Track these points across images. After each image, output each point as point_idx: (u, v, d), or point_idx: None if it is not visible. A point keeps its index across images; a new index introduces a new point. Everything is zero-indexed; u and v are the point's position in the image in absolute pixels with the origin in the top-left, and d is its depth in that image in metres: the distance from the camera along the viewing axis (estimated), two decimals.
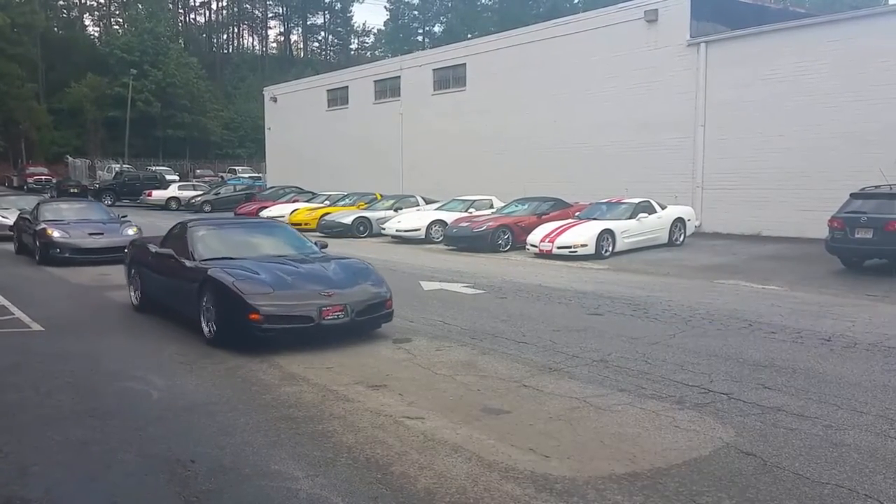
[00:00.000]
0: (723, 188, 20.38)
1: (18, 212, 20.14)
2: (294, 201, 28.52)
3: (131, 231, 15.30)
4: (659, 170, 21.42)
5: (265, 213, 27.03)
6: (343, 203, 25.94)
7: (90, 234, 15.01)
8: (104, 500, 3.98)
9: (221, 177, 52.07)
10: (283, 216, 25.83)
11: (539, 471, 4.39)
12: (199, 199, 34.68)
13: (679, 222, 17.76)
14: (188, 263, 8.31)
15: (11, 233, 19.08)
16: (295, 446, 4.79)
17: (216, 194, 35.52)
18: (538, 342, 7.86)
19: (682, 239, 17.75)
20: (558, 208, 18.81)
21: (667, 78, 21.64)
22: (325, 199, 27.36)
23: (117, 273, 13.48)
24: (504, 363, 7.00)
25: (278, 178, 39.82)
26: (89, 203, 19.48)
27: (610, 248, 15.99)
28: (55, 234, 14.61)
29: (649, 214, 17.15)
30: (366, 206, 24.60)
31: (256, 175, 50.19)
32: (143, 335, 8.44)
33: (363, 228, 22.06)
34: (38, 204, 17.10)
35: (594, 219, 16.87)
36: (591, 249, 15.62)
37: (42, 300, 10.69)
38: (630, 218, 16.77)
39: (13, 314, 9.44)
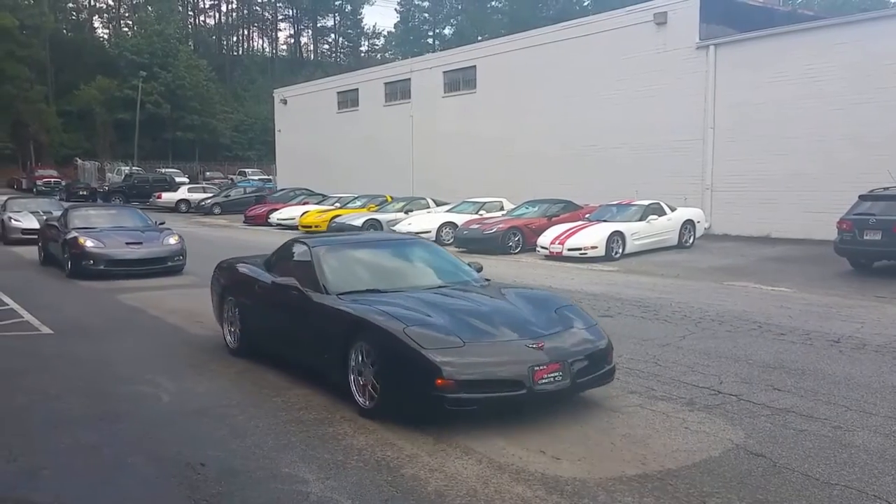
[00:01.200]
0: (732, 190, 20.32)
1: (32, 215, 20.24)
2: (304, 203, 28.59)
3: (172, 240, 13.86)
4: (668, 172, 21.36)
5: (275, 216, 27.16)
6: (353, 205, 25.97)
7: (127, 243, 13.40)
8: None
9: (231, 179, 52.31)
10: (293, 218, 25.95)
11: (549, 472, 4.38)
12: (209, 201, 34.83)
13: (689, 224, 17.72)
14: (320, 299, 6.15)
15: (25, 236, 19.09)
16: (305, 449, 4.78)
17: (226, 196, 35.68)
18: None
19: (691, 241, 17.71)
20: (569, 210, 18.82)
21: (676, 80, 21.59)
22: (336, 202, 27.40)
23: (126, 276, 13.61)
24: None
25: (288, 180, 39.89)
26: (124, 208, 18.18)
27: (620, 250, 15.97)
28: (88, 243, 13.03)
29: (659, 216, 17.13)
30: (376, 208, 24.64)
31: (266, 177, 50.36)
32: (153, 338, 8.46)
33: (373, 230, 22.05)
34: (67, 210, 15.45)
35: (604, 221, 16.87)
36: (601, 251, 15.60)
37: (50, 303, 10.73)
38: (640, 220, 16.75)
39: (22, 317, 9.48)
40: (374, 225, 22.26)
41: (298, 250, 7.09)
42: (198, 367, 6.96)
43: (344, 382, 5.64)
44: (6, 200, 22.38)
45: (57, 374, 6.59)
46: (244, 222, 28.83)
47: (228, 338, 7.58)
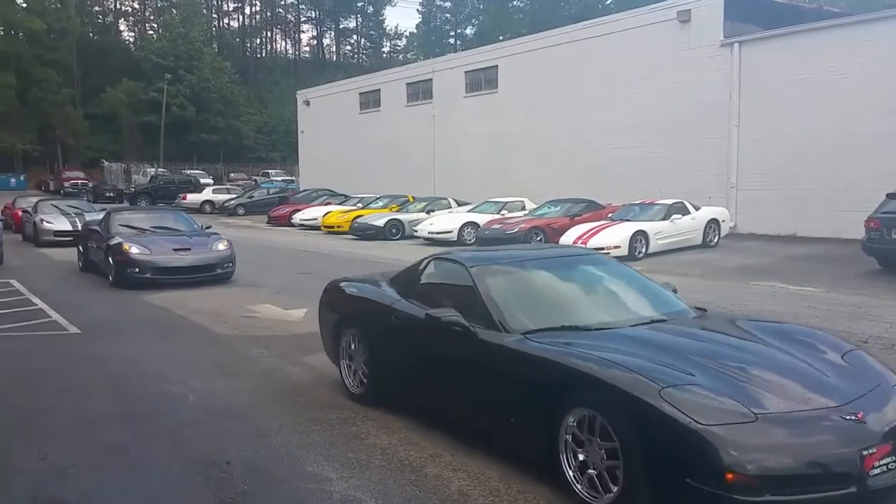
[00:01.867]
0: (757, 189, 20.08)
1: (63, 216, 20.16)
2: (326, 204, 28.75)
3: (221, 245, 12.83)
4: (692, 171, 21.19)
5: (298, 217, 27.34)
6: (375, 205, 26.06)
7: (175, 249, 12.38)
8: (142, 502, 4.03)
9: (255, 180, 52.71)
10: (315, 219, 26.11)
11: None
12: (233, 202, 35.15)
13: (713, 223, 17.53)
14: (496, 339, 4.53)
15: (58, 238, 19.11)
16: (329, 448, 4.80)
17: (250, 197, 35.96)
18: None
19: (716, 240, 17.52)
20: (591, 210, 18.72)
21: (700, 78, 21.41)
22: (358, 202, 27.52)
23: None
24: None
25: (311, 181, 40.13)
26: (168, 211, 17.06)
27: (643, 250, 15.84)
28: (133, 250, 12.04)
29: (683, 215, 16.95)
30: (398, 208, 24.70)
31: (289, 178, 50.69)
32: (179, 338, 8.55)
33: (395, 231, 22.14)
34: (109, 213, 14.32)
35: (627, 220, 16.73)
36: (624, 251, 15.45)
37: (78, 303, 10.88)
38: (663, 219, 16.60)
39: (50, 317, 9.62)
40: (395, 225, 22.31)
41: (445, 269, 5.53)
42: (223, 367, 7.01)
43: (549, 461, 4.07)
44: (37, 202, 22.36)
45: (85, 374, 6.68)
46: (267, 223, 29.04)
47: (349, 380, 5.94)
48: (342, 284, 6.47)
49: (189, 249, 12.50)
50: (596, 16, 26.79)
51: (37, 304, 10.51)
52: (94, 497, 4.03)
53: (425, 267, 5.69)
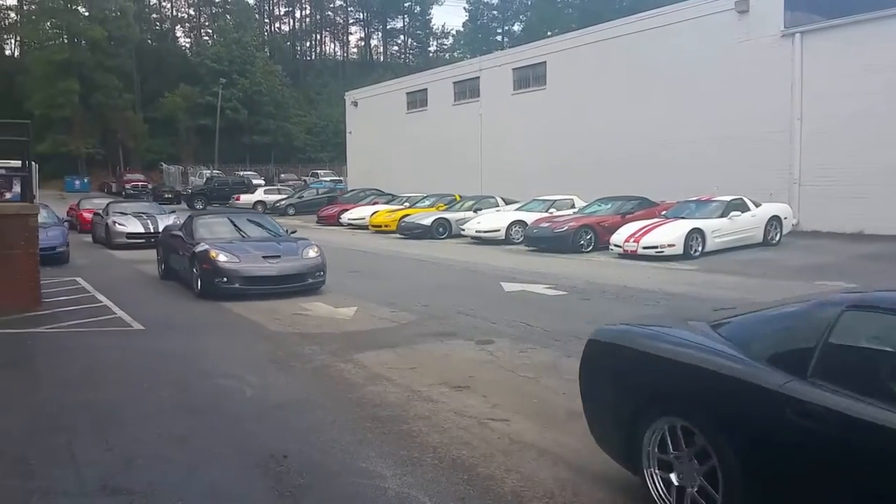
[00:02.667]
0: (821, 185, 19.42)
1: (135, 219, 20.14)
2: (374, 203, 28.99)
3: (312, 252, 11.83)
4: (751, 166, 20.62)
5: (346, 216, 27.63)
6: (422, 205, 26.17)
7: (264, 257, 11.40)
8: (204, 493, 4.15)
9: (304, 180, 53.44)
10: (363, 218, 26.36)
11: (633, 479, 4.21)
12: (283, 202, 35.73)
13: (774, 220, 17.02)
14: None
15: (130, 241, 19.21)
16: (381, 445, 4.86)
17: (300, 197, 36.52)
18: None
19: (777, 238, 17.01)
20: (643, 207, 18.37)
21: (759, 71, 20.84)
22: (405, 201, 27.68)
23: None
24: None
25: (359, 180, 40.52)
26: (252, 214, 15.85)
27: (699, 249, 15.47)
28: (221, 258, 11.04)
29: (742, 213, 16.46)
30: (445, 207, 24.76)
31: (337, 178, 51.28)
32: (235, 334, 8.76)
33: (443, 230, 22.20)
34: (192, 217, 13.23)
35: (682, 218, 16.37)
36: (678, 249, 15.16)
37: (140, 300, 11.20)
38: (721, 216, 16.18)
39: (115, 313, 9.93)
40: (442, 224, 22.36)
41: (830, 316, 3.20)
42: (278, 363, 7.16)
43: None
44: (108, 204, 22.61)
45: (148, 368, 6.90)
46: (317, 222, 29.43)
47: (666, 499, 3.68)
48: (638, 337, 4.06)
49: (279, 257, 11.48)
50: (648, 9, 26.28)
51: (102, 301, 10.87)
52: (159, 487, 4.16)
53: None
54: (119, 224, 19.89)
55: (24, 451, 4.68)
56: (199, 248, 11.46)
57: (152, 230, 19.32)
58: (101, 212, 21.90)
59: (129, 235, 19.56)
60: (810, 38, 19.96)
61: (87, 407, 5.69)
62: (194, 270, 11.46)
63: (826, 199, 19.26)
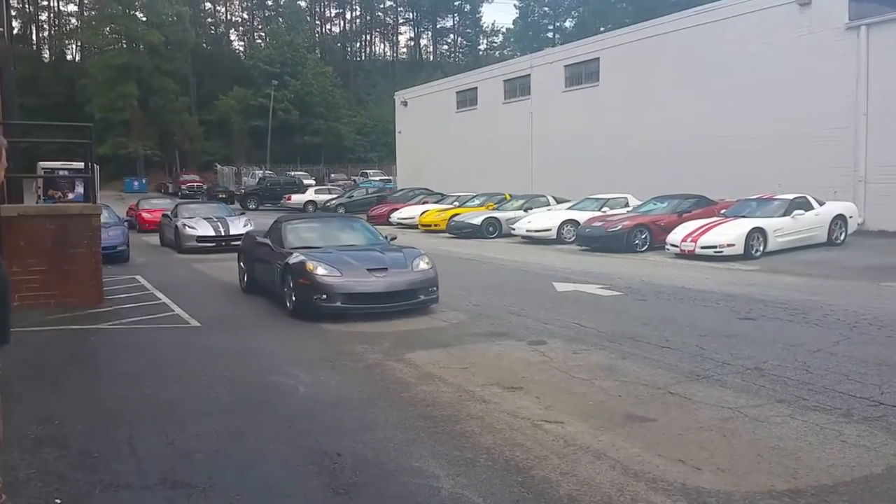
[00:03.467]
0: (889, 182, 18.76)
1: (206, 221, 19.31)
2: (423, 203, 29.05)
3: (423, 264, 9.98)
4: (814, 164, 20.02)
5: (395, 216, 27.76)
6: (472, 204, 26.12)
7: (370, 270, 9.63)
8: (261, 488, 4.17)
9: (354, 180, 53.98)
10: (413, 217, 26.44)
11: (690, 483, 4.17)
12: (333, 202, 36.11)
13: (839, 219, 16.51)
14: None
15: (201, 244, 18.50)
16: (434, 445, 4.83)
17: (349, 197, 36.85)
18: (683, 347, 7.51)
19: (842, 238, 16.49)
20: (701, 206, 17.96)
21: (822, 65, 20.26)
22: (455, 201, 27.67)
23: None
24: (646, 369, 6.74)
25: (408, 180, 40.70)
26: (346, 219, 14.02)
27: (761, 248, 15.07)
28: (320, 271, 9.38)
29: (805, 211, 15.99)
30: (495, 206, 24.67)
31: (387, 178, 51.63)
32: (288, 333, 8.84)
33: (492, 229, 22.12)
34: (280, 222, 11.54)
35: (742, 216, 15.97)
36: (739, 249, 14.77)
37: (196, 298, 11.41)
38: (784, 215, 15.74)
39: (173, 311, 10.14)
40: (492, 223, 22.28)
41: None
42: (330, 361, 7.20)
43: None
44: (176, 205, 22.08)
45: (206, 365, 7.00)
46: (367, 221, 29.54)
47: None
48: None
49: (386, 270, 9.71)
50: (704, 3, 25.73)
51: (161, 299, 11.11)
52: (217, 481, 4.21)
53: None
54: (189, 227, 19.07)
55: (88, 445, 4.79)
56: (293, 260, 9.73)
57: (223, 233, 18.90)
58: (169, 213, 21.30)
59: (200, 239, 18.78)
60: (877, 31, 19.28)
61: (147, 402, 5.81)
62: (288, 285, 9.75)
63: (893, 198, 18.56)
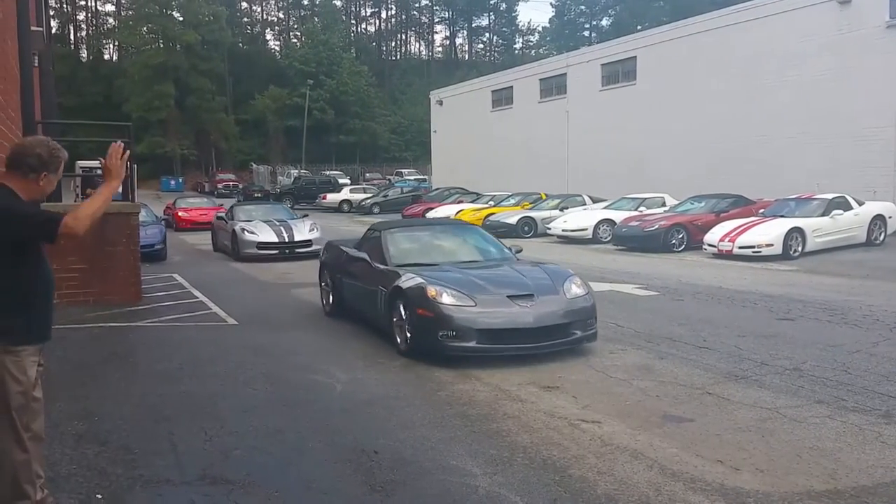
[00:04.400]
0: None
1: (266, 225, 17.10)
2: (458, 202, 29.03)
3: (577, 287, 7.54)
4: (853, 163, 19.65)
5: (430, 215, 27.75)
6: (507, 203, 26.04)
7: (511, 297, 7.19)
8: (299, 485, 4.21)
9: (389, 180, 54.20)
10: (448, 216, 26.41)
11: (729, 484, 4.14)
12: (368, 201, 36.29)
13: (878, 220, 16.20)
14: None
15: (262, 251, 16.41)
16: (471, 443, 4.83)
17: (384, 196, 36.98)
18: (721, 348, 7.43)
19: (882, 238, 16.17)
20: (739, 206, 17.72)
21: (862, 63, 19.88)
22: (490, 200, 27.61)
23: (299, 270, 14.41)
24: (684, 369, 6.68)
25: (443, 179, 40.73)
26: (459, 227, 11.06)
27: (799, 249, 14.87)
28: (446, 300, 7.00)
29: (845, 211, 15.73)
30: (530, 205, 24.57)
31: (422, 177, 51.75)
32: (325, 331, 8.90)
33: (528, 228, 22.03)
34: (379, 231, 9.00)
35: (781, 216, 15.74)
36: (777, 249, 14.57)
37: (233, 296, 11.50)
38: (822, 215, 15.49)
39: (210, 309, 10.25)
40: (528, 223, 22.19)
41: None
42: (366, 359, 7.23)
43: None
44: (232, 207, 19.74)
45: (243, 362, 7.08)
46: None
47: None
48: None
49: (532, 297, 7.16)
50: (742, 1, 25.40)
51: (198, 297, 11.24)
52: (256, 477, 4.25)
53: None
54: (249, 232, 16.72)
55: (127, 441, 4.85)
56: (406, 283, 7.34)
57: (287, 239, 16.76)
58: (223, 216, 18.99)
59: (261, 245, 16.50)
60: None
61: (186, 399, 5.88)
62: (398, 316, 7.37)
63: None
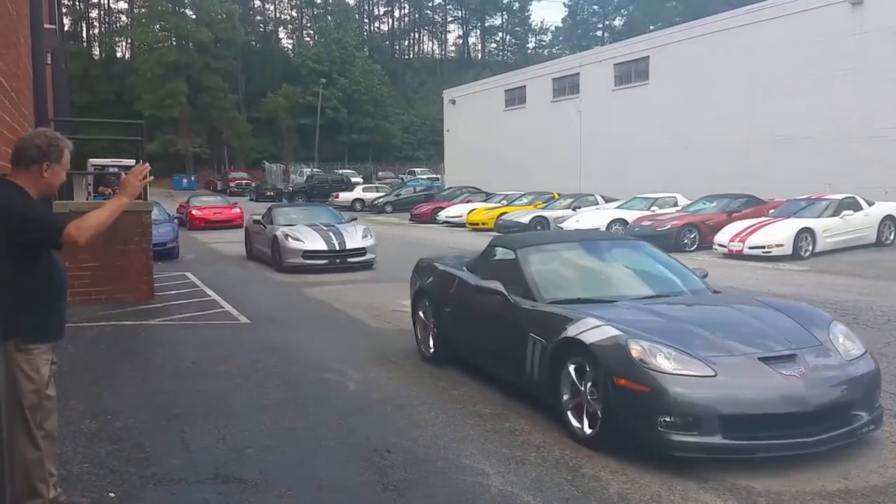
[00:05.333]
0: None
1: (312, 230, 14.72)
2: (467, 202, 28.97)
3: (845, 338, 4.98)
4: (866, 163, 19.53)
5: (443, 214, 27.78)
6: (520, 202, 26.02)
7: (764, 358, 4.57)
8: (312, 483, 4.21)
9: (401, 178, 54.25)
10: (460, 216, 26.44)
11: (740, 483, 4.15)
12: (381, 200, 36.34)
13: (889, 220, 16.18)
14: None
15: (308, 262, 14.09)
16: (483, 442, 4.84)
17: (397, 195, 37.03)
18: None
19: (892, 239, 16.18)
20: (751, 206, 17.72)
21: (874, 64, 19.83)
22: (502, 199, 27.58)
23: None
24: None
25: (456, 178, 40.71)
26: (622, 242, 8.40)
27: (809, 249, 14.83)
28: (663, 363, 4.43)
29: (855, 212, 15.70)
30: (543, 205, 24.56)
31: (434, 176, 51.76)
32: (337, 330, 8.93)
33: (540, 228, 21.98)
34: (514, 248, 6.38)
35: (791, 217, 15.72)
36: (787, 250, 14.54)
37: (245, 295, 11.51)
38: (833, 216, 15.48)
39: (223, 307, 10.26)
40: (540, 222, 22.15)
41: None
42: (379, 358, 7.25)
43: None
44: (270, 209, 16.94)
45: (256, 361, 7.08)
46: (410, 220, 29.77)
47: None
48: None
49: (793, 357, 4.63)
50: (754, 1, 25.31)
51: (210, 296, 11.26)
52: (269, 476, 4.26)
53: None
54: (293, 238, 14.34)
55: (141, 439, 4.86)
56: (586, 334, 4.78)
57: (338, 247, 14.33)
58: (260, 219, 16.21)
59: (307, 254, 14.16)
60: None
61: (199, 397, 5.89)
62: (570, 385, 4.91)
63: None
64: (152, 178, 3.59)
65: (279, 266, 14.33)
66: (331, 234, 14.66)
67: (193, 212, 26.61)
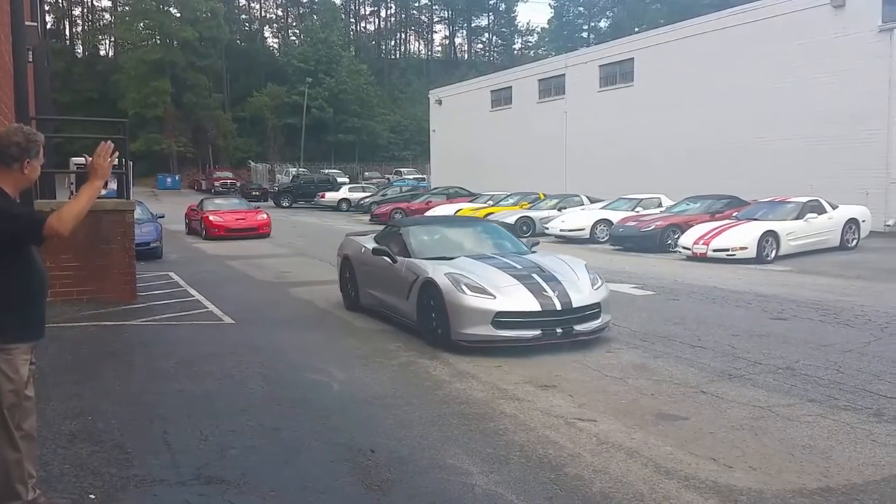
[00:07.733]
0: None
1: (500, 272, 7.58)
2: (449, 201, 28.84)
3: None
4: (847, 165, 19.77)
5: (429, 214, 27.70)
6: (506, 203, 26.03)
7: None
8: (295, 484, 4.20)
9: (388, 178, 54.14)
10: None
11: (722, 481, 4.19)
12: (367, 200, 36.25)
13: (852, 223, 16.22)
14: None
15: (507, 332, 5.48)
16: (468, 442, 4.85)
17: (383, 195, 36.90)
18: (716, 347, 7.47)
19: (854, 241, 16.19)
20: (734, 206, 17.74)
21: (855, 67, 20.04)
22: (489, 199, 27.59)
23: (296, 268, 14.39)
24: (679, 368, 6.71)
25: (442, 179, 40.72)
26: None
27: (773, 252, 14.73)
28: None
29: (818, 215, 15.70)
30: (529, 205, 24.56)
31: (421, 176, 51.69)
32: (322, 330, 8.92)
33: (526, 228, 22.02)
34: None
35: (755, 219, 15.68)
36: (751, 253, 14.45)
37: (229, 295, 11.47)
38: (797, 218, 15.43)
39: (206, 307, 10.20)
40: (526, 222, 22.19)
41: None
42: (363, 358, 7.24)
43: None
44: (392, 228, 10.04)
45: (240, 361, 7.04)
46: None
47: None
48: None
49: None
50: (738, 3, 25.50)
51: (194, 296, 11.19)
52: (252, 477, 4.25)
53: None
54: (472, 290, 7.42)
55: (122, 440, 4.82)
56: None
57: (559, 306, 7.47)
58: (378, 245, 9.41)
59: (506, 320, 7.35)
60: None
61: (181, 398, 5.85)
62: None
63: None
64: (117, 154, 3.55)
65: (445, 336, 7.56)
66: (541, 281, 7.77)
67: (211, 218, 21.78)
